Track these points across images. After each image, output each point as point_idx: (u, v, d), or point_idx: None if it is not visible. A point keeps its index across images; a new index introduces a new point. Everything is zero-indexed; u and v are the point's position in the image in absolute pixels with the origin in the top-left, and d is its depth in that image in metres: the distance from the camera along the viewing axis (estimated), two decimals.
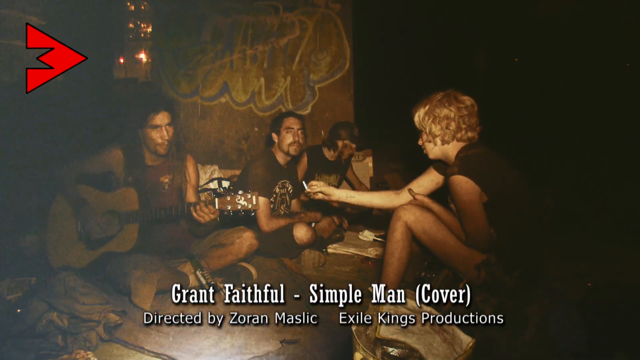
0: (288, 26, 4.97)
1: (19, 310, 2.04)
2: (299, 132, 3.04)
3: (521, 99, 6.00)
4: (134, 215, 2.30)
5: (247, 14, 5.03)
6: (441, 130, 2.03)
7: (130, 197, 2.33)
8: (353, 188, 3.98)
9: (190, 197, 2.59)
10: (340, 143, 3.67)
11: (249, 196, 2.15)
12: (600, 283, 2.38)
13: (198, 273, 2.39)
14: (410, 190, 2.20)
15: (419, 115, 2.08)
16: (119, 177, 2.38)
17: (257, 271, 2.66)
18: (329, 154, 3.75)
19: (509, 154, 2.07)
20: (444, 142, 2.05)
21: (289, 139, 3.02)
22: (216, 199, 2.18)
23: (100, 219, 2.31)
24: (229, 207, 2.16)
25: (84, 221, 2.31)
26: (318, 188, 2.27)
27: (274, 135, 3.10)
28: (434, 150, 2.10)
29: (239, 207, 2.14)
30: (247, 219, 2.91)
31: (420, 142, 2.15)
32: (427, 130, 2.07)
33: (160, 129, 2.36)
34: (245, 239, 2.55)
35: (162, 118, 2.35)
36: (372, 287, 2.32)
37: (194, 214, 2.22)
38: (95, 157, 2.38)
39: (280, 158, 3.11)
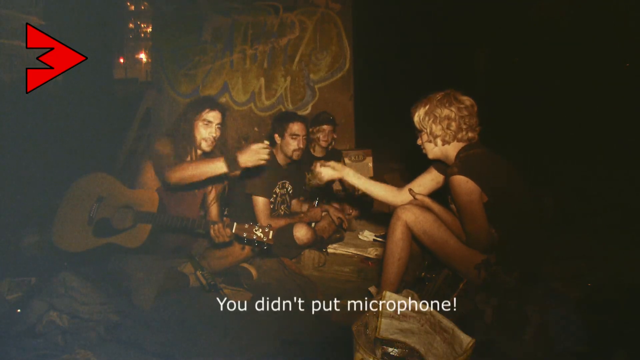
0: (288, 26, 4.97)
1: (18, 310, 2.04)
2: (302, 139, 3.03)
3: (521, 99, 6.00)
4: (150, 217, 2.30)
5: (247, 14, 5.02)
6: (442, 131, 2.03)
7: (151, 199, 2.33)
8: (344, 186, 3.99)
9: (214, 215, 2.63)
10: (312, 130, 3.62)
11: (267, 230, 2.18)
12: (600, 283, 2.37)
13: (198, 273, 2.39)
14: (410, 190, 2.20)
15: (419, 115, 2.08)
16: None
17: (257, 271, 2.66)
18: (314, 150, 3.73)
19: (508, 154, 2.07)
20: (444, 142, 2.05)
21: (293, 145, 3.01)
22: (234, 224, 2.20)
23: (116, 212, 2.32)
24: (245, 235, 2.18)
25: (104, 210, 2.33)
26: (330, 164, 2.27)
27: (276, 137, 3.08)
28: (434, 150, 2.10)
29: (254, 237, 2.18)
30: (247, 211, 2.92)
31: (419, 142, 2.15)
32: (428, 131, 2.06)
33: (210, 125, 2.44)
34: None
35: (215, 116, 2.44)
36: (372, 288, 2.33)
37: (211, 231, 2.26)
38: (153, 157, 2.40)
39: (281, 159, 3.11)
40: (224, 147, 2.54)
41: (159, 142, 2.41)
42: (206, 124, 2.43)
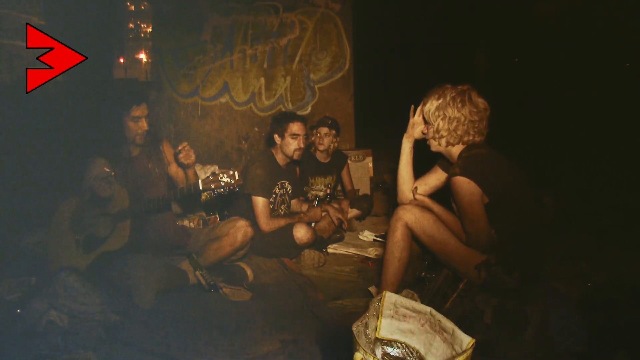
0: (288, 26, 4.97)
1: (18, 311, 2.04)
2: (302, 139, 3.03)
3: (521, 100, 6.00)
4: (126, 212, 2.32)
5: (247, 14, 5.02)
6: (448, 132, 2.01)
7: (121, 197, 2.34)
8: (344, 188, 3.99)
9: (175, 173, 2.64)
10: (312, 133, 3.65)
11: (231, 172, 2.17)
12: (601, 283, 2.37)
13: (197, 273, 2.39)
14: (415, 188, 2.20)
15: (430, 108, 2.05)
16: (112, 178, 2.41)
17: (257, 272, 2.66)
18: (318, 155, 3.74)
19: (509, 154, 2.07)
20: (448, 144, 2.04)
21: (294, 145, 3.01)
22: (199, 181, 2.20)
23: (96, 223, 2.34)
24: (213, 186, 2.17)
25: (86, 225, 2.34)
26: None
27: (276, 137, 3.08)
28: (437, 147, 2.10)
29: (222, 184, 2.16)
30: (247, 211, 2.93)
31: (424, 130, 2.14)
32: (435, 127, 2.05)
33: (140, 120, 2.44)
34: (240, 228, 2.54)
35: (142, 110, 2.44)
36: (372, 288, 2.33)
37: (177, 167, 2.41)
38: (84, 181, 2.43)
39: (280, 159, 3.11)
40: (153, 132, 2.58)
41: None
42: (135, 121, 2.43)
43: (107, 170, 2.35)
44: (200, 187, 2.19)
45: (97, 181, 2.30)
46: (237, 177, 2.16)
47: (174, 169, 2.62)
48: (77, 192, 2.47)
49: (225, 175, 2.16)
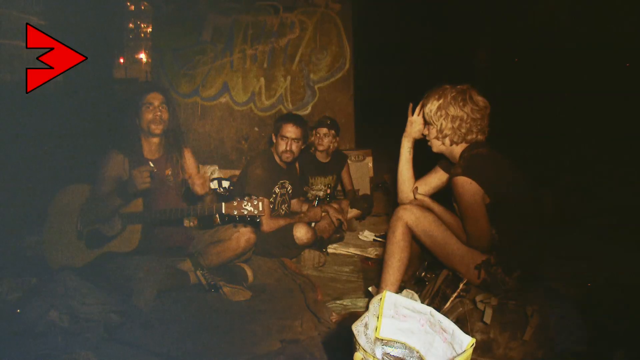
0: (288, 26, 4.97)
1: (18, 311, 2.04)
2: (293, 142, 2.98)
3: (521, 99, 6.00)
4: (137, 217, 2.30)
5: (247, 14, 5.02)
6: (452, 130, 2.00)
7: (135, 199, 2.33)
8: (344, 188, 3.98)
9: (193, 185, 2.62)
10: (311, 133, 3.62)
11: (256, 202, 2.16)
12: (600, 283, 2.38)
13: (198, 273, 2.39)
14: (415, 188, 2.20)
15: (431, 109, 2.04)
16: (154, 173, 2.39)
17: (257, 272, 2.66)
18: (317, 155, 3.73)
19: (509, 154, 2.07)
20: (452, 142, 2.04)
21: (282, 146, 3.00)
22: (223, 204, 2.20)
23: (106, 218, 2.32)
24: (235, 212, 2.17)
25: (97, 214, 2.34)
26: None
27: (273, 136, 3.09)
28: (440, 147, 2.09)
29: (245, 212, 2.16)
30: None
31: (425, 132, 2.14)
32: (438, 127, 2.04)
33: (153, 107, 2.44)
34: (243, 234, 2.53)
35: (154, 96, 2.46)
36: (372, 288, 2.33)
37: (192, 188, 2.32)
38: (101, 174, 2.40)
39: (278, 159, 3.11)
40: (175, 133, 2.59)
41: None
42: (148, 108, 2.44)
43: (152, 165, 2.35)
44: (223, 211, 2.20)
45: (139, 172, 2.21)
46: (260, 208, 2.17)
47: (194, 181, 2.61)
48: (93, 182, 2.42)
49: (249, 204, 2.16)
